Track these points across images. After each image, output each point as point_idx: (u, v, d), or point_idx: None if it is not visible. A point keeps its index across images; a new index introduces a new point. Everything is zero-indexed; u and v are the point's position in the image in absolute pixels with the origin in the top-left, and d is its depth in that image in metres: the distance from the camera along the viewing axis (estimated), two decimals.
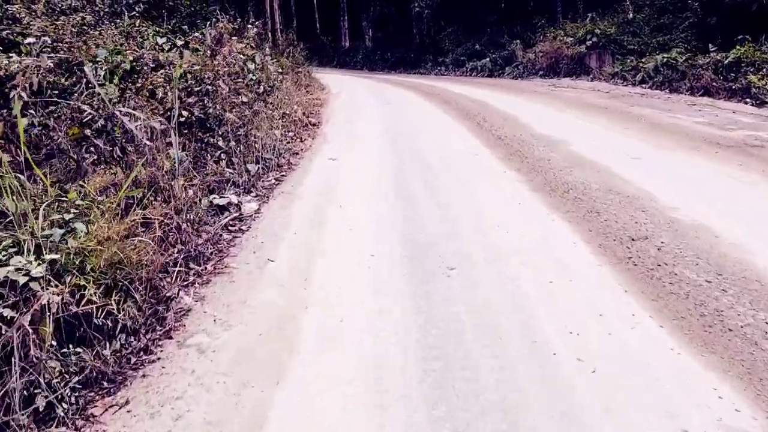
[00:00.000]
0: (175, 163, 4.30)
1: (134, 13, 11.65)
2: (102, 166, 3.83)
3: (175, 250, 3.88)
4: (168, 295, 3.43)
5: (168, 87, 6.09)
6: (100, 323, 2.77)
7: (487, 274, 3.74)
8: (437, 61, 25.90)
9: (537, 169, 6.22)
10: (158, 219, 3.71)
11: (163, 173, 4.02)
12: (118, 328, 2.88)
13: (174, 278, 3.65)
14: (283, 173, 6.58)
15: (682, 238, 4.17)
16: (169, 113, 6.20)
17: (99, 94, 5.22)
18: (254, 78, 9.63)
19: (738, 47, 12.23)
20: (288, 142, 8.11)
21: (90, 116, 3.87)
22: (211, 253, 4.24)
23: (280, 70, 11.30)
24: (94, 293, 2.63)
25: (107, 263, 2.80)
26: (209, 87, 6.54)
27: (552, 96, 12.67)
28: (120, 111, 3.94)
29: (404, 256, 4.07)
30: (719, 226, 4.34)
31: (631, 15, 19.88)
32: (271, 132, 7.58)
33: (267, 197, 5.68)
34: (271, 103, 9.28)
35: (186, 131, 6.23)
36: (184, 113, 6.16)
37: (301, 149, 7.92)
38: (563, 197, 5.22)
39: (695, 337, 2.92)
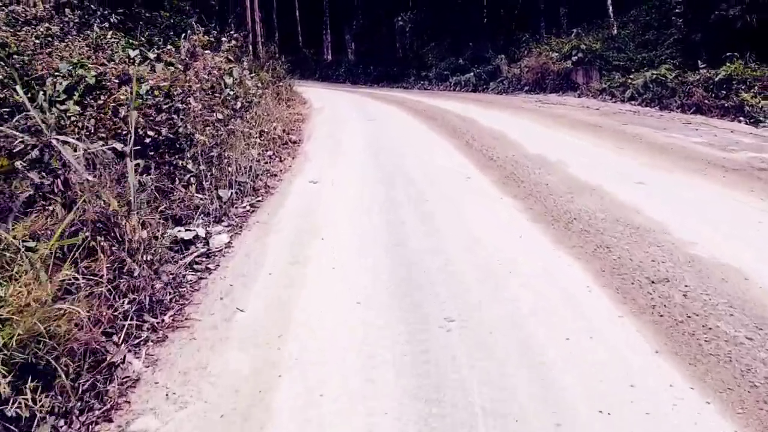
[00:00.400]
0: (131, 194, 3.70)
1: (106, 24, 11.00)
2: (40, 203, 3.23)
3: (126, 300, 3.27)
4: (113, 360, 2.82)
5: (132, 105, 5.47)
6: (13, 414, 2.16)
7: (495, 328, 3.19)
8: (420, 75, 25.48)
9: (535, 194, 5.71)
10: (105, 266, 3.11)
11: (113, 209, 3.42)
12: (37, 418, 2.27)
13: (122, 337, 3.04)
14: (260, 198, 5.99)
15: (708, 281, 3.66)
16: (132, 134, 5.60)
17: (52, 114, 4.61)
18: (232, 93, 9.05)
19: (728, 64, 11.93)
20: (266, 162, 7.52)
21: (22, 145, 3.27)
22: (171, 299, 3.64)
23: (260, 85, 10.72)
24: (3, 378, 2.03)
25: (27, 336, 2.21)
26: (179, 104, 5.95)
27: (541, 113, 12.25)
28: (57, 139, 3.34)
29: (396, 306, 3.50)
30: (746, 266, 3.84)
31: (615, 31, 19.65)
32: (247, 152, 6.99)
33: (240, 227, 5.09)
34: (249, 119, 8.70)
35: (152, 153, 5.63)
36: (150, 133, 5.56)
37: (281, 170, 7.34)
38: (568, 229, 4.71)
39: (752, 419, 2.39)
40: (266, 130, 8.78)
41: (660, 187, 5.82)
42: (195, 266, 4.20)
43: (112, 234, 3.58)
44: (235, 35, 11.20)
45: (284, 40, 38.80)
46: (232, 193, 5.70)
